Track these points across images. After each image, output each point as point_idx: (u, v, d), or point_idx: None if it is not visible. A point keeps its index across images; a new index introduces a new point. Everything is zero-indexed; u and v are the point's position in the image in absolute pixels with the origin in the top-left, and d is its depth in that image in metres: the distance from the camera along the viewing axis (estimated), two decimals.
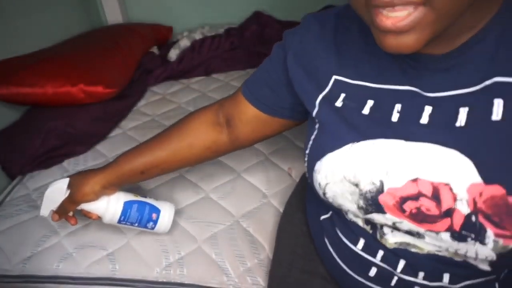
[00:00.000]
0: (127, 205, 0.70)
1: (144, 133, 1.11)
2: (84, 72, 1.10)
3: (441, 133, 0.40)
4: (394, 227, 0.45)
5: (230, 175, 0.92)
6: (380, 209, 0.44)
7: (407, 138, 0.42)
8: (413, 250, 0.45)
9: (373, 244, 0.49)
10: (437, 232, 0.42)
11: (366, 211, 0.46)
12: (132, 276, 0.73)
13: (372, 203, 0.44)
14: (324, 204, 0.57)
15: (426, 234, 0.43)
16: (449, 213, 0.40)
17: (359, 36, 0.48)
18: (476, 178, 0.38)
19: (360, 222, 0.50)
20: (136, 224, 0.72)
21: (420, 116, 0.42)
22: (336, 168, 0.46)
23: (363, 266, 0.50)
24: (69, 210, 0.68)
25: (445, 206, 0.40)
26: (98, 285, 0.74)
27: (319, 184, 0.49)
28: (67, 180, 0.68)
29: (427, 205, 0.41)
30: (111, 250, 0.77)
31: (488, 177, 0.38)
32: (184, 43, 1.48)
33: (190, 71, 1.40)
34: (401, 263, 0.47)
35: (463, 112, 0.39)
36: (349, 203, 0.47)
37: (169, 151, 0.66)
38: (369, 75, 0.47)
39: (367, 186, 0.44)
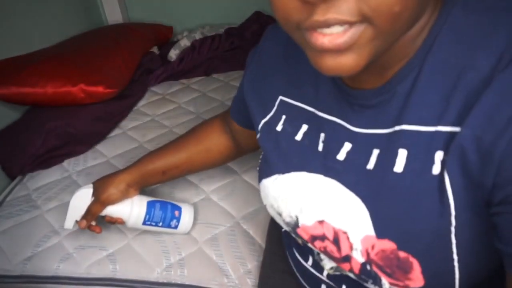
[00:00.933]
0: (151, 204, 0.72)
1: (144, 133, 1.12)
2: (85, 72, 1.10)
3: (352, 173, 0.40)
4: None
5: (230, 176, 0.93)
6: (302, 239, 0.47)
7: (325, 173, 0.42)
8: (345, 273, 0.46)
9: (318, 264, 0.51)
10: (345, 270, 0.43)
11: (295, 236, 0.48)
12: (133, 277, 0.74)
13: (294, 232, 0.47)
14: None
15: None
16: (347, 259, 0.41)
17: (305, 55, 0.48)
18: (370, 230, 0.38)
19: (300, 243, 0.53)
20: (160, 224, 0.73)
21: (338, 151, 0.41)
22: (266, 196, 0.49)
23: (314, 281, 0.52)
24: (96, 214, 0.69)
25: (343, 252, 0.41)
26: (99, 285, 0.74)
27: (263, 201, 0.52)
28: (91, 185, 0.70)
29: (330, 247, 0.42)
30: (111, 251, 0.77)
31: (380, 231, 0.37)
32: (184, 43, 1.48)
33: (190, 71, 1.40)
34: (344, 286, 0.48)
35: (374, 154, 0.38)
36: (283, 225, 0.50)
37: (188, 153, 0.71)
38: (308, 97, 0.46)
39: (287, 218, 0.47)
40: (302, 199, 0.44)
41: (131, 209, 0.70)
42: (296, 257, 0.56)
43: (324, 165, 0.42)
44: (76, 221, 0.70)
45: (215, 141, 0.71)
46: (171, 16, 1.67)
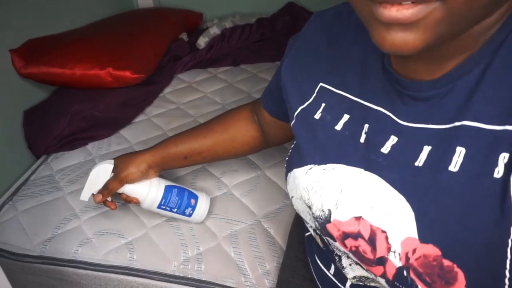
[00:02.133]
0: (168, 189, 0.71)
1: (169, 121, 1.10)
2: (113, 56, 1.09)
3: (397, 169, 0.37)
4: (348, 257, 0.45)
5: (253, 171, 0.90)
6: (331, 236, 0.43)
7: (366, 167, 0.40)
8: (372, 284, 0.44)
9: (341, 273, 0.48)
10: (375, 275, 0.40)
11: (322, 233, 0.45)
12: (150, 268, 0.73)
13: (323, 228, 0.44)
14: None
15: (370, 273, 0.41)
16: (382, 261, 0.38)
17: (353, 40, 0.45)
18: (413, 232, 0.35)
19: (322, 246, 0.50)
20: (175, 210, 0.72)
21: (383, 144, 0.39)
22: (297, 186, 0.46)
23: None
24: (113, 190, 0.68)
25: (379, 253, 0.38)
26: (115, 273, 0.73)
27: (289, 194, 0.49)
28: (112, 161, 0.69)
29: (363, 247, 0.39)
30: (130, 239, 0.77)
31: (424, 235, 0.34)
32: (214, 31, 1.45)
33: (218, 60, 1.37)
34: None
35: (425, 151, 0.35)
36: (309, 221, 0.47)
37: (213, 140, 0.69)
38: (351, 85, 0.44)
39: (317, 211, 0.44)
40: (338, 192, 0.41)
41: (149, 190, 0.69)
42: (318, 264, 0.53)
43: (366, 158, 0.40)
44: (93, 194, 0.69)
45: (242, 131, 0.69)
46: (202, 3, 1.64)
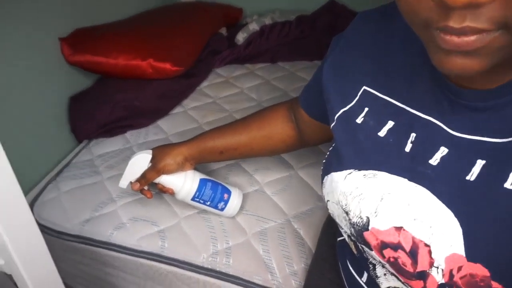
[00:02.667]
0: (203, 182, 0.73)
1: (204, 114, 1.12)
2: (155, 48, 1.12)
3: (446, 182, 0.35)
4: (383, 266, 0.43)
5: (286, 171, 0.90)
6: (367, 244, 0.42)
7: (411, 178, 0.38)
8: None
9: (374, 282, 0.47)
10: None
11: (357, 240, 0.44)
12: (179, 257, 0.75)
13: (359, 236, 0.43)
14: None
15: (406, 286, 0.40)
16: (423, 276, 0.36)
17: (401, 44, 0.43)
18: (460, 249, 0.33)
19: (356, 253, 0.49)
20: (208, 203, 0.74)
21: (431, 155, 0.37)
22: (334, 190, 0.45)
23: None
24: (150, 180, 0.70)
25: (420, 267, 0.36)
26: (146, 259, 0.76)
27: (324, 198, 0.48)
28: (150, 151, 0.71)
29: (403, 259, 0.38)
30: (162, 227, 0.79)
31: (472, 253, 0.32)
32: (253, 27, 1.46)
33: (256, 56, 1.38)
34: None
35: (478, 165, 0.34)
36: (344, 227, 0.45)
37: (249, 137, 0.70)
38: (398, 91, 0.42)
39: (354, 218, 0.42)
40: (378, 200, 0.40)
41: (184, 182, 0.71)
42: (350, 270, 0.53)
43: (411, 168, 0.38)
44: (131, 182, 0.71)
45: (278, 129, 0.69)
46: None
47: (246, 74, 1.32)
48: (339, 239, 0.58)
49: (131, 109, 1.06)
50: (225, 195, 0.74)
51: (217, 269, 0.73)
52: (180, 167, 0.71)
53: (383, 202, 0.40)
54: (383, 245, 0.40)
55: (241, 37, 1.43)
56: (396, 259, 0.39)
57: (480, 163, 0.34)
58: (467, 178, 0.34)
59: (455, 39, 0.27)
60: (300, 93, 0.64)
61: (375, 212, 0.40)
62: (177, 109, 1.16)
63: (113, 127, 1.04)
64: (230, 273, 0.72)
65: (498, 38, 0.26)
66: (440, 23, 0.27)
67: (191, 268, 0.74)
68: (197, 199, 0.73)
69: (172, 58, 1.14)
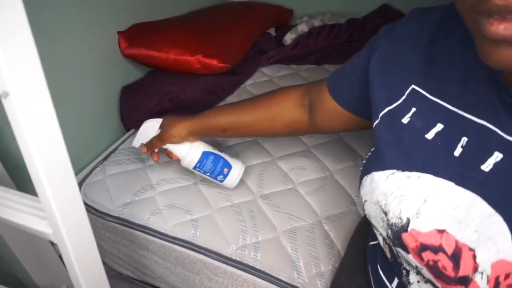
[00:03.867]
0: (205, 155, 0.78)
1: None
2: (204, 44, 1.16)
3: (498, 188, 0.34)
4: (419, 272, 0.41)
5: (322, 172, 0.89)
6: (404, 247, 0.40)
7: (458, 182, 0.36)
8: None
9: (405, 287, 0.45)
10: None
11: (394, 243, 0.43)
12: (209, 247, 0.77)
13: (396, 237, 0.41)
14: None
15: None
16: (465, 281, 0.34)
17: (458, 46, 0.41)
18: (509, 255, 0.31)
19: (389, 257, 0.47)
20: (208, 174, 0.80)
21: (484, 161, 0.35)
22: (374, 190, 0.43)
23: None
24: (156, 147, 0.78)
25: (462, 272, 0.34)
26: (178, 245, 0.79)
27: (361, 198, 0.47)
28: (160, 120, 0.78)
29: (444, 262, 0.36)
30: (195, 216, 0.82)
31: None
32: (302, 28, 1.46)
33: (302, 57, 1.38)
34: None
35: None
36: (380, 229, 0.44)
37: (252, 118, 0.70)
38: (450, 94, 0.40)
39: (393, 218, 0.41)
40: (421, 202, 0.39)
41: (188, 152, 0.77)
42: (379, 275, 0.51)
43: (460, 173, 0.37)
44: (142, 144, 0.79)
45: (285, 113, 0.68)
46: None
47: (291, 75, 1.32)
48: (371, 243, 0.57)
49: (176, 101, 1.10)
50: (225, 170, 0.80)
51: (245, 262, 0.74)
52: (183, 139, 0.76)
53: (426, 204, 0.38)
54: (423, 248, 0.38)
55: (289, 38, 1.44)
56: (435, 262, 0.37)
57: None
58: None
59: (500, 29, 0.26)
60: (330, 79, 0.61)
61: (417, 214, 0.39)
62: (220, 105, 1.19)
63: (159, 118, 1.09)
64: (257, 267, 0.73)
65: None
66: (485, 3, 0.27)
67: (219, 258, 0.75)
68: (198, 169, 0.79)
69: (220, 55, 1.17)
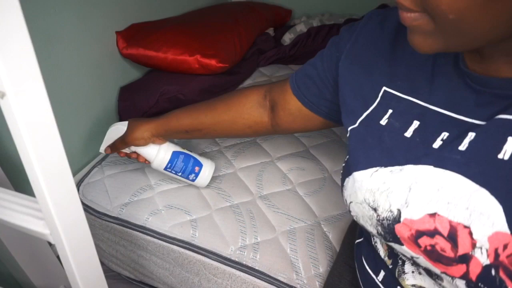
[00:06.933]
0: (175, 154, 0.79)
1: None
2: (202, 44, 1.15)
3: (477, 164, 0.35)
4: (414, 262, 0.42)
5: (321, 173, 0.89)
6: (396, 240, 0.41)
7: (436, 164, 0.37)
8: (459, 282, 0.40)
9: (391, 280, 0.46)
10: (452, 277, 0.36)
11: (385, 239, 0.43)
12: (208, 247, 0.76)
13: (389, 232, 0.42)
14: (360, 229, 0.57)
15: (442, 276, 0.38)
16: (465, 259, 0.34)
17: None
18: (503, 227, 0.32)
19: (382, 253, 0.48)
20: (180, 174, 0.81)
21: (460, 143, 0.36)
22: (358, 189, 0.44)
23: None
24: (118, 149, 0.79)
25: (461, 250, 0.34)
26: (177, 246, 0.79)
27: (346, 200, 0.48)
28: (126, 123, 0.78)
29: (442, 244, 0.36)
30: (194, 217, 0.81)
31: None
32: (301, 28, 1.46)
33: (301, 57, 1.38)
34: None
35: (510, 142, 0.34)
36: (369, 227, 0.45)
37: (213, 120, 0.70)
38: (421, 91, 0.41)
39: (384, 213, 0.42)
40: (407, 191, 0.40)
41: (157, 153, 0.78)
42: (365, 270, 0.52)
43: (438, 156, 0.38)
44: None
45: (245, 114, 0.68)
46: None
47: (289, 75, 1.32)
48: (357, 241, 0.57)
49: (174, 101, 1.10)
50: (196, 168, 0.80)
51: (244, 262, 0.73)
52: (146, 142, 0.76)
53: (412, 192, 0.39)
54: (418, 234, 0.39)
55: (287, 38, 1.44)
56: (433, 246, 0.37)
57: (511, 140, 0.34)
58: (500, 156, 0.34)
59: (401, 13, 0.33)
60: (293, 81, 0.61)
61: (406, 203, 0.39)
62: None
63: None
64: (256, 267, 0.73)
65: (424, 22, 0.32)
66: None
67: (218, 259, 0.75)
68: (169, 170, 0.80)
69: (218, 55, 1.16)
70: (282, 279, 0.70)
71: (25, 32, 0.28)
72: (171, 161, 0.79)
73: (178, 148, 0.81)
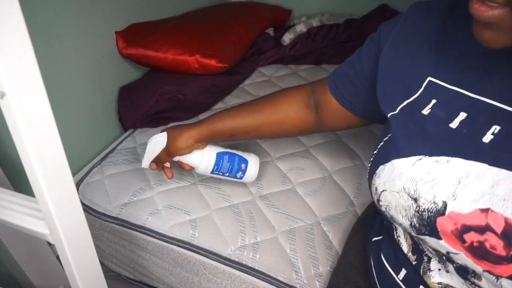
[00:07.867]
0: (220, 156, 0.76)
1: None
2: (202, 44, 1.15)
3: None
4: (447, 259, 0.40)
5: (320, 173, 0.89)
6: (434, 233, 0.39)
7: (492, 163, 0.36)
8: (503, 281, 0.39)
9: (414, 278, 0.45)
10: (498, 276, 0.35)
11: (419, 232, 0.41)
12: (208, 247, 0.76)
13: (427, 224, 0.40)
14: (378, 225, 0.55)
15: (483, 276, 0.37)
16: None
17: (469, 34, 0.41)
18: None
19: (405, 248, 0.46)
20: (227, 174, 0.78)
21: None
22: (398, 177, 0.42)
23: None
24: (164, 162, 0.75)
25: None
26: (177, 246, 0.79)
27: (376, 189, 0.46)
28: (165, 134, 0.74)
29: (492, 242, 0.35)
30: (194, 217, 0.81)
31: None
32: (300, 28, 1.46)
33: (300, 57, 1.38)
34: None
35: None
36: (402, 218, 0.43)
37: (260, 121, 0.69)
38: (469, 82, 0.40)
39: (426, 204, 0.40)
40: (456, 184, 0.38)
41: (202, 159, 0.75)
42: (385, 268, 0.50)
43: (493, 155, 0.37)
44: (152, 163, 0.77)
45: (292, 114, 0.67)
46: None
47: (290, 75, 1.32)
48: (374, 238, 0.56)
49: (174, 101, 1.10)
50: (242, 165, 0.78)
51: (243, 262, 0.73)
52: (191, 149, 0.73)
53: (461, 185, 0.38)
54: (465, 229, 0.37)
55: (287, 38, 1.44)
56: (481, 243, 0.36)
57: None
58: None
59: (479, 8, 0.32)
60: (330, 80, 0.62)
61: (453, 196, 0.38)
62: (219, 105, 1.18)
63: (157, 118, 1.09)
64: (256, 267, 0.73)
65: (506, 17, 0.30)
66: None
67: (218, 259, 0.75)
68: (216, 172, 0.77)
69: (218, 55, 1.16)
70: (281, 279, 0.70)
71: (25, 32, 0.28)
72: (216, 163, 0.76)
73: (220, 149, 0.77)
